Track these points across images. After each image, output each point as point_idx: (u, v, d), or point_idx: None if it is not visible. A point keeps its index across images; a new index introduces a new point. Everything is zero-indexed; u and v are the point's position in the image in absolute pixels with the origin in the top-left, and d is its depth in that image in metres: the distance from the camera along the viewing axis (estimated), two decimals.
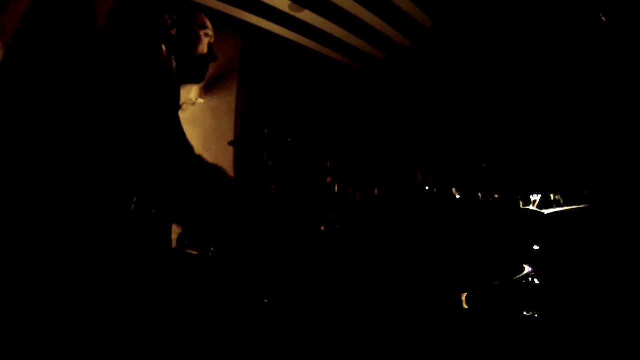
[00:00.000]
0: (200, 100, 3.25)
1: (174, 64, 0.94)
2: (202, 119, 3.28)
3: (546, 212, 1.34)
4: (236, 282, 1.13)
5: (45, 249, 0.78)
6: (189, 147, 0.89)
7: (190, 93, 3.19)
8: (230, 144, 2.79)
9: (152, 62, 0.88)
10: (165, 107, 0.87)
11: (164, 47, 0.93)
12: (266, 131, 2.45)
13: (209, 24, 1.16)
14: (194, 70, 1.12)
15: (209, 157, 0.91)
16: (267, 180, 2.45)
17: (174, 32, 1.07)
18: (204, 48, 1.13)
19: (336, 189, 2.80)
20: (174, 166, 0.85)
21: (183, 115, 0.95)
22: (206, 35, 1.13)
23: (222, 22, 3.19)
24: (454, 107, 3.36)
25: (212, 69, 1.19)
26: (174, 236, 2.02)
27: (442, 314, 1.14)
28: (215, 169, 0.92)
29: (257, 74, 3.60)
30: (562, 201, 1.71)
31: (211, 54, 1.16)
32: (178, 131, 0.88)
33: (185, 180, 0.85)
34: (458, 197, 1.99)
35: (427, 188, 2.07)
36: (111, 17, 1.03)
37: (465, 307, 1.14)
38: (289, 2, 3.10)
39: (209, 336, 1.00)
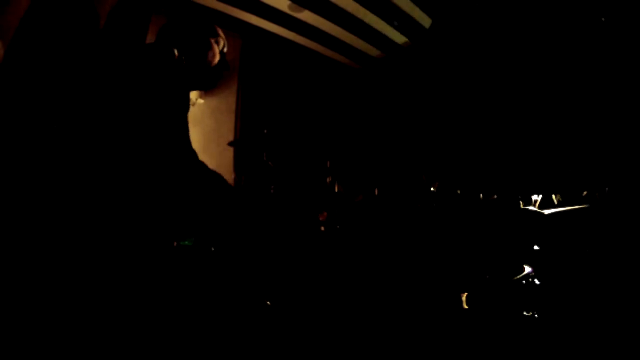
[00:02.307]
0: (200, 101, 3.25)
1: (185, 70, 0.95)
2: (202, 119, 3.27)
3: (546, 212, 1.34)
4: (236, 282, 1.13)
5: (45, 248, 0.78)
6: (192, 153, 0.90)
7: (190, 93, 3.19)
8: (230, 144, 2.79)
9: (162, 66, 0.88)
10: (173, 112, 0.87)
11: (176, 52, 0.93)
12: (266, 131, 2.45)
13: (220, 32, 1.17)
14: (206, 77, 1.12)
15: (209, 157, 0.92)
16: (267, 180, 2.45)
17: (185, 40, 1.07)
18: (215, 55, 1.14)
19: (336, 189, 2.80)
20: (176, 170, 0.85)
21: None
22: (217, 42, 1.14)
23: (222, 22, 3.18)
24: (453, 107, 3.36)
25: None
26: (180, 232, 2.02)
27: (442, 314, 1.14)
28: (216, 175, 0.93)
29: (257, 74, 3.60)
30: (559, 201, 1.71)
31: (224, 63, 1.17)
32: (184, 136, 0.89)
33: (187, 183, 0.86)
34: (458, 197, 1.99)
35: (430, 189, 2.07)
36: (115, 19, 1.04)
37: (465, 307, 1.14)
38: (289, 2, 3.09)
39: (208, 335, 1.00)
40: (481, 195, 1.89)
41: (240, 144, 3.02)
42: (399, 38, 3.70)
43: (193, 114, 3.54)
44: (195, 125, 3.30)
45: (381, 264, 1.33)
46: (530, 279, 1.16)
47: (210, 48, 1.11)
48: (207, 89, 1.10)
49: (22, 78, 1.10)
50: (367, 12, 3.29)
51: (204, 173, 0.91)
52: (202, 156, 1.00)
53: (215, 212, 0.91)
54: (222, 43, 1.16)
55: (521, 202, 1.73)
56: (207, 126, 3.30)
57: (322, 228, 2.07)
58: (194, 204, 0.88)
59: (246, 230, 0.98)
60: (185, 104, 0.95)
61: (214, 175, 0.94)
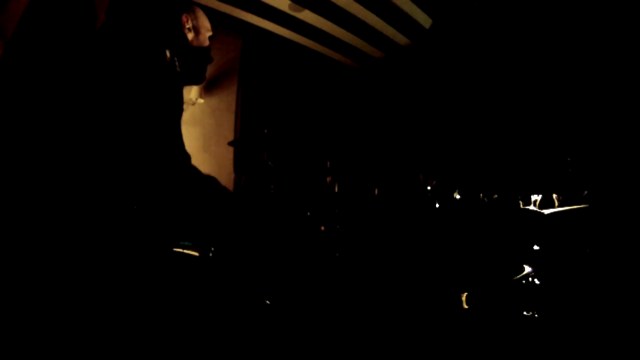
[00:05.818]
0: (200, 100, 3.25)
1: (177, 68, 0.94)
2: (202, 119, 3.27)
3: (546, 212, 1.34)
4: (237, 283, 1.13)
5: (45, 249, 0.78)
6: (186, 156, 0.90)
7: (190, 93, 3.19)
8: (230, 144, 2.79)
9: (156, 68, 0.88)
10: (168, 113, 0.87)
11: (167, 53, 0.93)
12: (266, 131, 2.45)
13: (204, 17, 1.11)
14: (194, 69, 1.08)
15: (209, 157, 0.92)
16: (267, 180, 2.45)
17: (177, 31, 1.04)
18: (203, 42, 1.09)
19: (336, 189, 2.80)
20: (172, 172, 0.85)
21: (183, 115, 0.95)
22: (199, 27, 1.08)
23: (222, 22, 3.19)
24: (453, 106, 3.36)
25: (212, 68, 1.17)
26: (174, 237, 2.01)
27: (442, 314, 1.14)
28: (210, 179, 0.93)
29: (257, 74, 3.60)
30: (558, 202, 1.71)
31: (208, 54, 1.12)
32: (177, 138, 0.89)
33: (184, 186, 0.86)
34: (458, 197, 1.99)
35: (427, 188, 2.07)
36: (112, 17, 1.02)
37: (465, 307, 1.14)
38: (289, 2, 3.09)
39: (209, 337, 1.00)
40: (481, 195, 1.89)
41: (240, 144, 3.02)
42: (399, 38, 3.69)
43: (193, 113, 3.54)
44: (195, 125, 3.32)
45: (381, 264, 1.33)
46: (530, 279, 1.16)
47: (182, 27, 1.04)
48: (195, 83, 1.03)
49: (21, 77, 1.10)
50: (368, 12, 3.29)
51: (197, 177, 0.91)
52: (202, 156, 1.00)
53: (209, 216, 0.91)
54: (192, 18, 1.07)
55: (521, 202, 1.73)
56: (207, 126, 3.30)
57: (322, 228, 2.07)
58: (188, 208, 0.88)
59: (244, 231, 0.98)
60: (180, 106, 0.93)
61: (208, 179, 0.94)
